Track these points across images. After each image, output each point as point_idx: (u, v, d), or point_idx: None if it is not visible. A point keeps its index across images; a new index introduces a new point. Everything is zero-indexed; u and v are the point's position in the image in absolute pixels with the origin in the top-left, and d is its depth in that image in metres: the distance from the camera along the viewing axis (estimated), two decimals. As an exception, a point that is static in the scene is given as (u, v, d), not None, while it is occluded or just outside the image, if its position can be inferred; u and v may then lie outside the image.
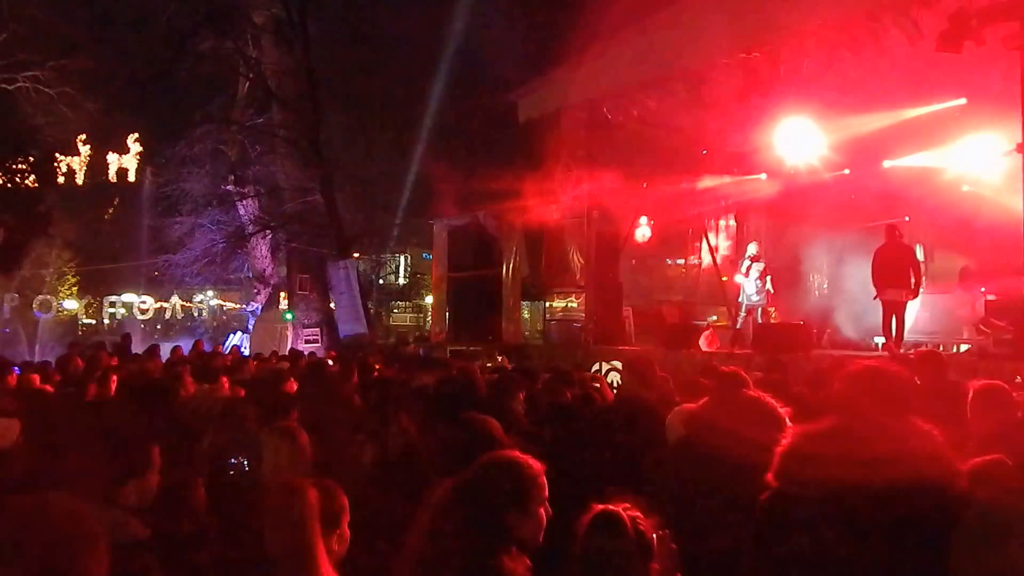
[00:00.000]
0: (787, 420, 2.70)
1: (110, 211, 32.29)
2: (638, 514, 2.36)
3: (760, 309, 13.32)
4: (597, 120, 14.30)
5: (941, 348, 10.92)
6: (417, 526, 2.81)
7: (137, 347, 16.98)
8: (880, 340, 11.24)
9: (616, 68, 13.48)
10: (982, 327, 10.84)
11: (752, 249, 13.54)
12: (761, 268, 13.18)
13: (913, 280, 10.69)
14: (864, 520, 2.07)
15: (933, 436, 2.21)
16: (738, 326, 13.39)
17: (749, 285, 13.21)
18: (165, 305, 27.94)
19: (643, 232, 16.14)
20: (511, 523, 2.55)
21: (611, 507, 2.40)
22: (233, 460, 3.89)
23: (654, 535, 2.33)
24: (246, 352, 17.33)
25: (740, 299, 13.42)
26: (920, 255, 13.47)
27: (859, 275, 11.60)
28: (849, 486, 2.09)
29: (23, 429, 4.91)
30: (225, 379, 8.08)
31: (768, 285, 13.04)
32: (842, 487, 2.10)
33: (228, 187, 22.16)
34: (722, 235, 17.00)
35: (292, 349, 15.84)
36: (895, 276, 10.56)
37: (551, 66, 15.23)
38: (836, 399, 2.58)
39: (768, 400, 2.76)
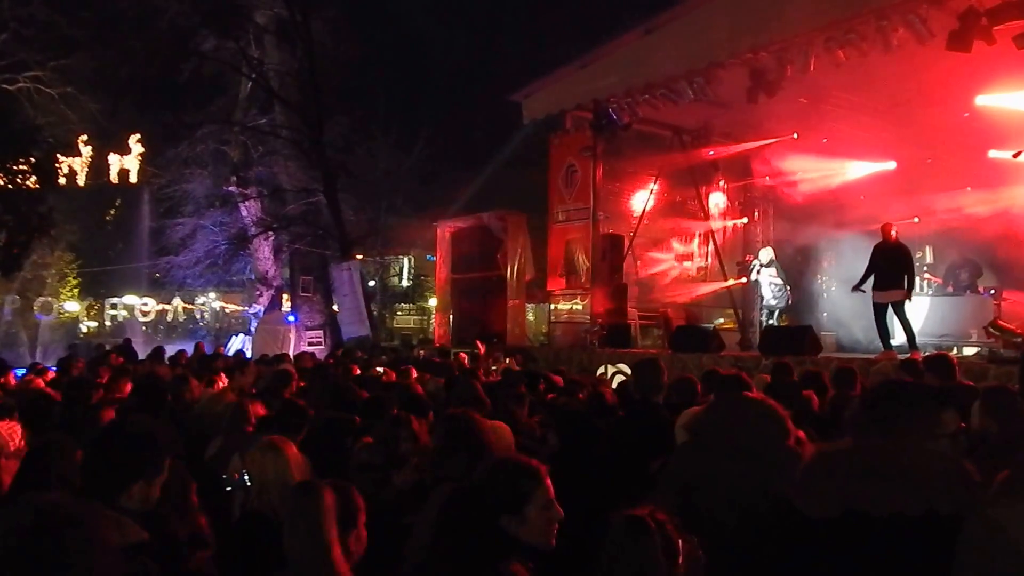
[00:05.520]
0: (790, 423, 2.69)
1: (112, 212, 32.22)
2: (665, 518, 2.36)
3: (778, 312, 13.26)
4: (602, 120, 14.20)
5: (954, 351, 10.78)
6: (418, 529, 2.83)
7: (138, 349, 16.95)
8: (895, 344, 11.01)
9: (621, 68, 13.40)
10: (991, 330, 10.72)
11: (765, 255, 13.47)
12: (773, 272, 13.14)
13: (907, 282, 10.26)
14: (880, 545, 2.03)
15: (958, 463, 2.15)
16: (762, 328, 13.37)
17: (766, 289, 13.20)
18: (167, 307, 27.86)
19: (649, 233, 16.04)
20: (508, 528, 2.51)
21: (637, 510, 2.40)
22: (225, 475, 3.86)
23: (680, 540, 2.33)
24: (248, 355, 17.21)
25: (762, 303, 13.45)
26: (929, 257, 13.45)
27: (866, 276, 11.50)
28: (868, 510, 2.05)
29: (26, 431, 4.85)
30: (225, 379, 8.03)
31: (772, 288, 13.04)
32: (861, 510, 2.06)
33: (230, 188, 22.08)
34: (730, 237, 16.89)
35: (300, 352, 15.69)
36: (886, 277, 10.28)
37: (555, 66, 15.13)
38: (855, 414, 2.52)
39: (771, 402, 2.72)
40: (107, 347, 16.38)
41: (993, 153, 11.49)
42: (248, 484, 3.54)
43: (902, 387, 2.56)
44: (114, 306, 28.59)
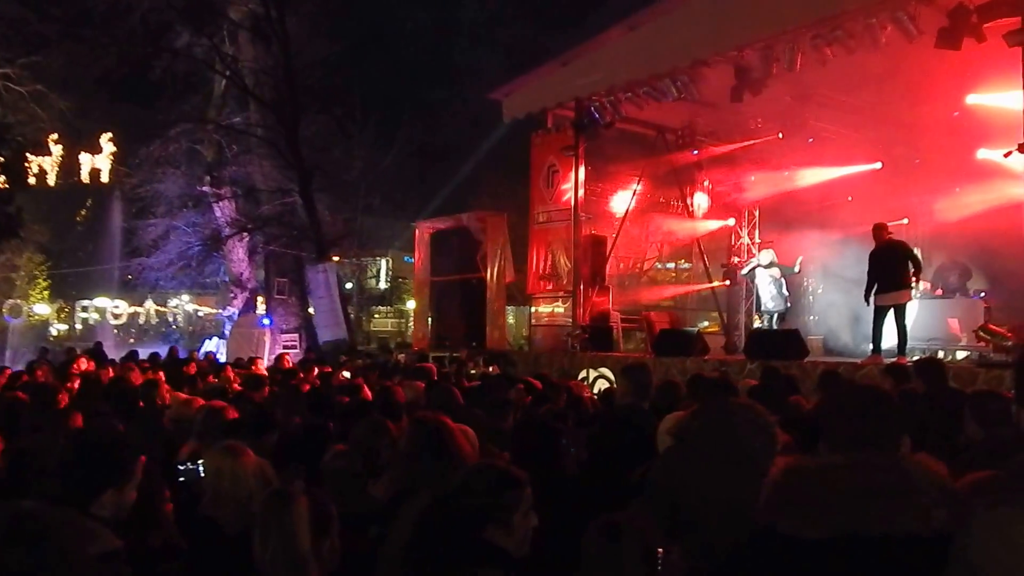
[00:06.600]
0: (777, 428, 2.60)
1: (82, 213, 31.60)
2: (644, 525, 2.35)
3: (776, 315, 13.01)
4: (584, 119, 13.93)
5: (943, 355, 10.59)
6: (393, 539, 2.78)
7: (110, 352, 16.54)
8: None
9: (604, 66, 13.15)
10: (981, 333, 10.53)
11: (766, 257, 13.22)
12: (776, 275, 12.88)
13: (913, 278, 9.94)
14: (881, 567, 1.89)
15: (941, 474, 2.02)
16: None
17: (764, 292, 12.96)
18: (139, 310, 27.28)
19: (631, 235, 15.82)
20: (491, 537, 2.51)
21: (616, 516, 2.42)
22: (182, 467, 3.84)
23: (660, 548, 2.31)
24: (222, 359, 16.83)
25: (759, 306, 13.25)
26: (923, 260, 13.29)
27: (854, 278, 11.31)
28: (867, 530, 1.90)
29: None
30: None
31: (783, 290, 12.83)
32: (858, 531, 1.91)
33: (204, 188, 21.69)
34: (715, 239, 16.68)
35: (279, 354, 15.30)
36: (888, 279, 9.93)
37: (537, 63, 14.85)
38: (823, 424, 2.47)
39: (757, 407, 2.63)
40: (78, 351, 15.94)
41: (983, 153, 11.33)
42: (202, 475, 3.47)
43: (888, 398, 2.51)
44: (85, 308, 27.96)
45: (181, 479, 3.76)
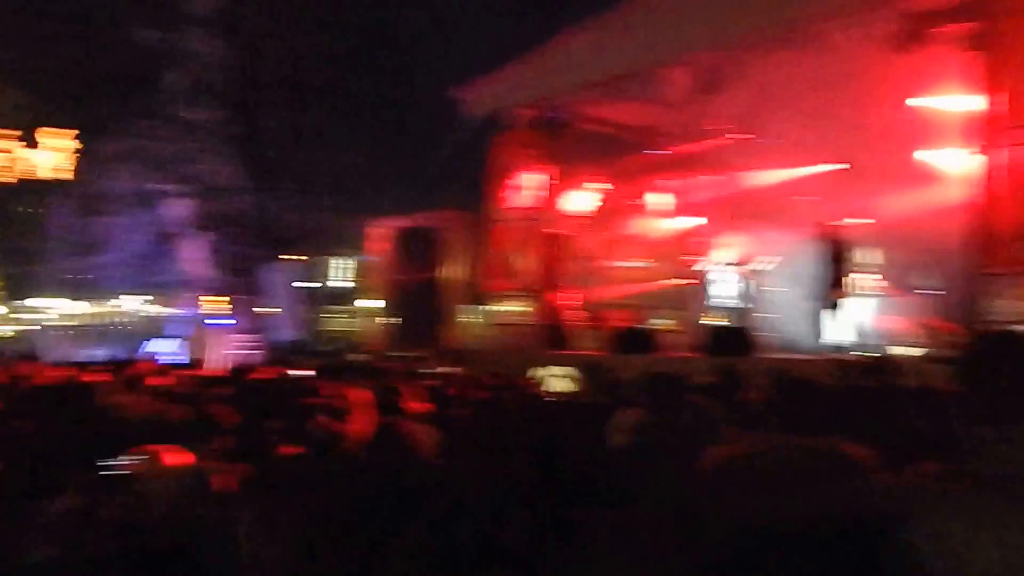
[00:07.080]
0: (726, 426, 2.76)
1: (32, 210, 30.96)
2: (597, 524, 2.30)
3: (734, 313, 13.13)
4: (546, 119, 13.96)
5: (893, 351, 10.78)
6: (396, 542, 2.65)
7: (61, 354, 16.21)
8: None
9: (567, 65, 13.19)
10: (930, 329, 10.76)
11: (729, 255, 13.33)
12: (737, 273, 12.99)
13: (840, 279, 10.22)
14: (789, 552, 1.82)
15: (870, 462, 2.06)
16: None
17: (722, 290, 13.10)
18: (91, 310, 26.78)
19: (593, 233, 15.86)
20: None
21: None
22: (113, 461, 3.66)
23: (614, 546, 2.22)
24: (178, 359, 16.54)
25: (719, 305, 13.37)
26: (873, 257, 13.52)
27: (810, 276, 11.50)
28: (772, 515, 1.88)
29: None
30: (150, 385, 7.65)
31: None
32: (764, 516, 1.89)
33: (158, 185, 21.21)
34: (678, 237, 16.78)
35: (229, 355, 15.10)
36: (825, 278, 10.19)
37: (500, 61, 14.84)
38: (765, 415, 2.44)
39: (710, 404, 2.80)
40: (22, 353, 15.58)
41: (934, 154, 11.61)
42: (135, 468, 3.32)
43: (827, 391, 2.54)
44: (34, 309, 27.35)
45: (114, 473, 3.61)
